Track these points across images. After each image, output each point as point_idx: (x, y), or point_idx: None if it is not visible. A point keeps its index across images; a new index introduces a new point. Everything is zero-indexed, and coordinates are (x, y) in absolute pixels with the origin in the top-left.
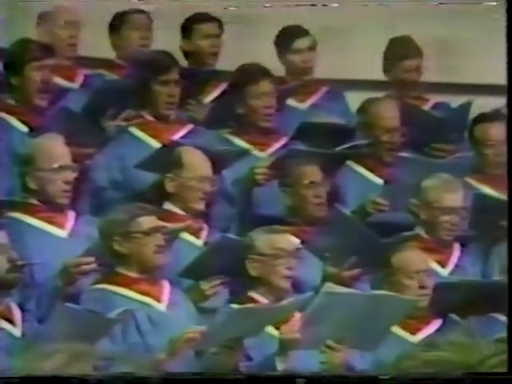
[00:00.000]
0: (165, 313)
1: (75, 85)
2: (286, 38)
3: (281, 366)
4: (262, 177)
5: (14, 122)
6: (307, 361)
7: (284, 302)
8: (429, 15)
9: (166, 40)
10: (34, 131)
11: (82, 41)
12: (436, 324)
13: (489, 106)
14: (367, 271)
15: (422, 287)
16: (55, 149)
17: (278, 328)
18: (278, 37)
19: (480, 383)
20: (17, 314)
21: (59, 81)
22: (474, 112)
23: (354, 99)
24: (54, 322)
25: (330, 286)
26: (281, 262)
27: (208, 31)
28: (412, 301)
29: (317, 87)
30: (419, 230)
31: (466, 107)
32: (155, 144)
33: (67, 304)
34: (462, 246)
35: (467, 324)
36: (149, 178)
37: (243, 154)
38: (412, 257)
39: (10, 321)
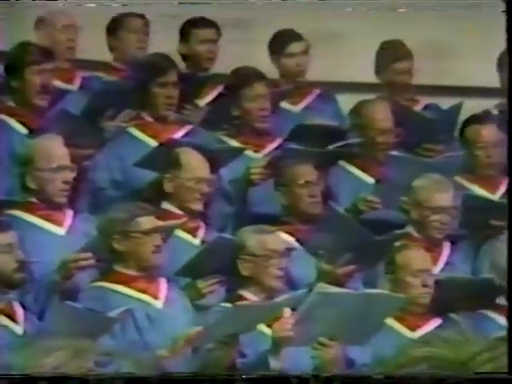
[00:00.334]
0: (162, 310)
1: (74, 87)
2: (281, 42)
3: (274, 364)
4: (258, 176)
5: (14, 123)
6: (300, 358)
7: (278, 299)
8: (420, 19)
9: (163, 43)
10: (33, 133)
11: (80, 44)
12: (435, 321)
13: (479, 107)
14: (361, 268)
15: (424, 285)
16: (54, 149)
17: (269, 326)
18: (272, 41)
19: (480, 383)
20: (19, 311)
21: (58, 83)
22: (464, 113)
23: (346, 101)
24: (56, 320)
25: (323, 286)
26: (272, 262)
27: (206, 36)
28: (401, 298)
29: (309, 90)
30: (410, 229)
31: (456, 109)
32: (154, 144)
33: (69, 302)
34: (453, 244)
35: (458, 320)
36: (147, 177)
37: (239, 152)
38: (416, 256)
39: (13, 318)
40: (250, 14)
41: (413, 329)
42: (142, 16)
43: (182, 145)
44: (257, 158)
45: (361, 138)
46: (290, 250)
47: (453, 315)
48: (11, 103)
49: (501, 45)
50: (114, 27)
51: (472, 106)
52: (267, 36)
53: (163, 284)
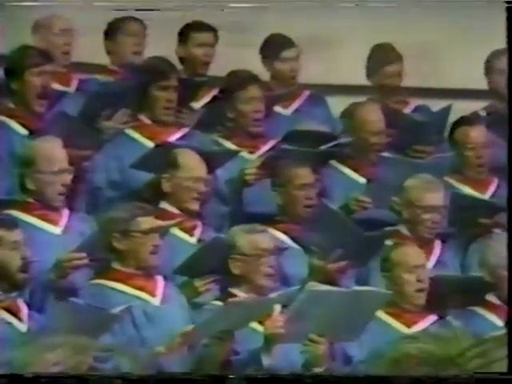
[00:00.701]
0: (159, 307)
1: (71, 89)
2: (273, 48)
3: (266, 361)
4: (252, 177)
5: (14, 125)
6: (291, 355)
7: (271, 296)
8: (409, 23)
9: (161, 46)
10: (33, 134)
11: (78, 47)
12: (431, 318)
13: (468, 109)
14: (352, 264)
15: (419, 281)
16: (55, 152)
17: (261, 323)
18: (264, 45)
19: (480, 383)
20: (23, 309)
21: (56, 86)
22: (453, 115)
23: (338, 104)
24: (59, 317)
25: (313, 285)
26: (262, 261)
27: (203, 40)
28: (388, 294)
29: (299, 92)
30: (402, 228)
31: (445, 111)
32: (151, 145)
33: (72, 299)
34: (443, 242)
35: (448, 317)
36: (145, 178)
37: (234, 154)
38: (412, 252)
39: (17, 316)
40: (244, 18)
41: (409, 325)
42: (139, 20)
43: (178, 147)
44: (251, 159)
45: (352, 139)
46: (283, 248)
47: (443, 312)
48: (11, 105)
49: (488, 48)
50: (112, 31)
51: (461, 108)
52: (259, 40)
53: (160, 282)
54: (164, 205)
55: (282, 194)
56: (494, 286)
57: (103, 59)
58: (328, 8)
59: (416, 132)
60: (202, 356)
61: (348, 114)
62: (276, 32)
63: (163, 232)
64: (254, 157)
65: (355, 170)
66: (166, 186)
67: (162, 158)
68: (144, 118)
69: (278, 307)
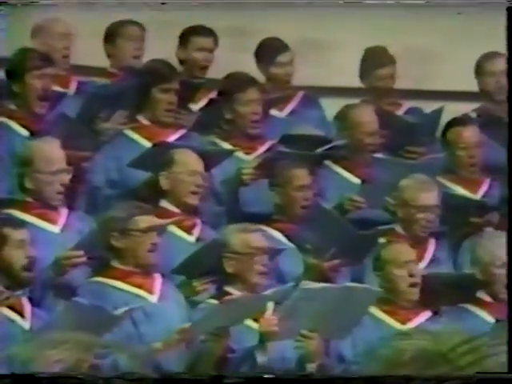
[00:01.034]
0: (156, 304)
1: (70, 91)
2: (268, 52)
3: (260, 359)
4: (248, 177)
5: (15, 126)
6: (285, 352)
7: (266, 293)
8: (402, 27)
9: (159, 49)
10: (33, 135)
11: (77, 50)
12: (425, 314)
13: (459, 111)
14: (347, 262)
15: (411, 276)
16: (53, 153)
17: (256, 320)
18: (259, 49)
19: (480, 383)
20: (27, 307)
21: (56, 88)
22: (444, 116)
23: (332, 105)
24: (62, 316)
25: (306, 283)
26: (255, 259)
27: (204, 44)
28: (378, 291)
29: (293, 94)
30: (397, 227)
31: (437, 113)
32: (149, 146)
33: (76, 299)
34: (437, 240)
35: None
36: (144, 177)
37: (229, 154)
38: (401, 249)
39: (20, 313)
40: (239, 22)
41: (403, 322)
42: (138, 24)
43: (175, 147)
44: (248, 159)
45: (347, 141)
46: (280, 250)
47: (436, 309)
48: (12, 106)
49: (479, 50)
50: (112, 35)
51: (452, 110)
52: (253, 43)
53: (158, 279)
54: (164, 203)
55: (280, 194)
56: (485, 284)
57: (103, 62)
58: (322, 11)
59: (409, 133)
60: (199, 353)
61: (342, 115)
62: (271, 36)
63: (161, 230)
64: (250, 157)
65: (349, 171)
66: (164, 184)
67: (160, 158)
68: (143, 119)
69: (270, 305)
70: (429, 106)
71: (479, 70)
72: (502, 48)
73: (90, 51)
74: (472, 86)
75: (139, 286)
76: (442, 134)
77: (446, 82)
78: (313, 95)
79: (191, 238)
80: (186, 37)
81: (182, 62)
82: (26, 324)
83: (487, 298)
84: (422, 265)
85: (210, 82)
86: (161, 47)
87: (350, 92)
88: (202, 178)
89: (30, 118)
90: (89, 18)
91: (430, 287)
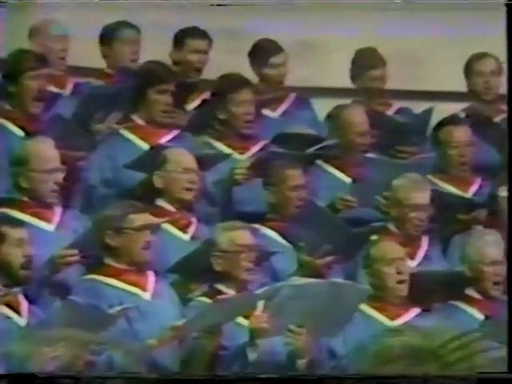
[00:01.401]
0: (150, 301)
1: (66, 92)
2: (262, 54)
3: (251, 355)
4: (242, 177)
5: (11, 126)
6: (276, 348)
7: (258, 292)
8: (392, 29)
9: (153, 50)
10: (29, 135)
11: (74, 51)
12: (414, 311)
13: (449, 111)
14: (340, 259)
15: (399, 273)
16: (46, 152)
17: (247, 317)
18: (252, 50)
19: (480, 383)
20: (23, 304)
21: (52, 88)
22: (434, 116)
23: (324, 106)
24: (58, 314)
25: (295, 279)
26: (242, 257)
27: (198, 47)
28: (366, 290)
29: (286, 95)
30: (390, 226)
31: (427, 113)
32: (144, 145)
33: (72, 297)
34: (430, 238)
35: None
36: (139, 176)
37: (224, 157)
38: (388, 247)
39: (17, 311)
40: (232, 23)
41: (393, 318)
42: (134, 27)
43: (170, 148)
44: (241, 159)
45: (338, 140)
46: (273, 253)
47: (426, 306)
48: (8, 107)
49: (468, 51)
50: (108, 37)
51: (442, 110)
52: (246, 45)
53: (151, 277)
54: (160, 202)
55: (274, 194)
56: (474, 281)
57: (99, 63)
58: (315, 13)
59: (399, 133)
60: (192, 350)
61: (333, 115)
62: (264, 37)
63: (156, 228)
64: (244, 157)
65: (341, 170)
66: (158, 183)
67: (154, 159)
68: (138, 120)
69: (261, 304)
70: (419, 106)
71: (468, 70)
72: (492, 48)
73: (86, 52)
74: (461, 86)
75: (133, 284)
76: (434, 134)
77: (436, 82)
78: (305, 96)
79: (186, 237)
80: (180, 39)
81: (175, 63)
82: (22, 321)
83: (476, 295)
84: (415, 262)
85: (204, 83)
86: (155, 48)
87: (342, 92)
88: (196, 174)
89: (26, 118)
90: (86, 19)
91: (420, 284)
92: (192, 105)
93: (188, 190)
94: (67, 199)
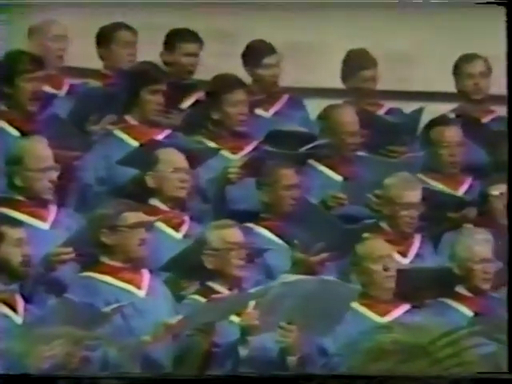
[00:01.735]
0: (145, 298)
1: (62, 93)
2: (256, 54)
3: (243, 352)
4: (235, 176)
5: (7, 126)
6: (267, 344)
7: (251, 291)
8: (383, 30)
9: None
10: (25, 135)
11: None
12: (404, 307)
13: (439, 111)
14: (333, 256)
15: (386, 269)
16: (40, 151)
17: (239, 315)
18: (246, 52)
19: (480, 383)
20: (20, 302)
21: (48, 89)
22: (424, 117)
23: (316, 106)
24: (54, 312)
25: (284, 277)
26: (232, 254)
27: (190, 50)
28: (356, 289)
29: (279, 95)
30: (382, 224)
31: (417, 113)
32: (137, 145)
33: (67, 296)
34: (423, 236)
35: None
36: (133, 176)
37: (213, 153)
38: (375, 245)
39: (13, 308)
40: (224, 24)
41: (382, 315)
42: (131, 28)
43: (163, 145)
44: (234, 158)
45: (329, 140)
46: (265, 249)
47: (416, 303)
48: (4, 108)
49: (458, 52)
50: (105, 39)
51: (432, 110)
52: (237, 46)
53: (146, 275)
54: (153, 201)
55: (268, 193)
56: (463, 279)
57: (95, 64)
58: (307, 16)
59: (390, 133)
60: (186, 347)
61: (324, 115)
62: (258, 38)
63: (149, 227)
64: (237, 157)
65: (332, 169)
66: (150, 183)
67: (147, 156)
68: (131, 120)
69: (252, 305)
70: (409, 107)
71: (457, 71)
72: (482, 50)
73: (83, 53)
74: (450, 87)
75: (128, 282)
76: (425, 133)
77: (426, 83)
78: (297, 97)
79: (179, 235)
80: (171, 42)
81: (167, 64)
82: (18, 319)
83: (466, 293)
84: (407, 260)
85: (200, 83)
86: (147, 49)
87: (335, 93)
88: (187, 173)
89: (22, 118)
90: (83, 19)
91: (410, 282)
92: (186, 105)
93: (180, 188)
94: (62, 198)
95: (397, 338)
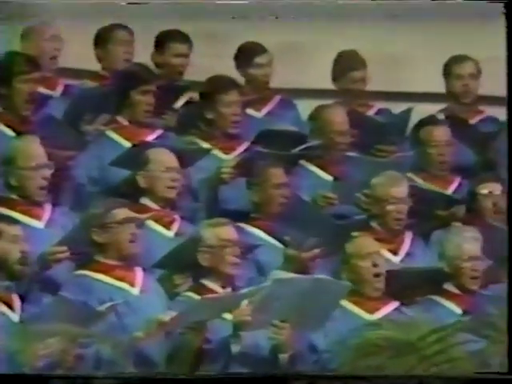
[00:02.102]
0: (138, 296)
1: (57, 93)
2: (247, 54)
3: (235, 348)
4: (228, 176)
5: (2, 127)
6: (259, 341)
7: (243, 291)
8: (373, 32)
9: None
10: (20, 136)
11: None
12: (392, 304)
13: (428, 112)
14: (325, 252)
15: (375, 265)
16: (32, 149)
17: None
18: (238, 53)
19: (480, 383)
20: (16, 300)
21: (43, 90)
22: (413, 117)
23: (307, 106)
24: (50, 310)
25: (277, 273)
26: (226, 251)
27: (180, 50)
28: (346, 285)
29: (271, 96)
30: (373, 223)
31: (406, 113)
32: (129, 145)
33: (62, 294)
34: (414, 234)
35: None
36: (125, 175)
37: (206, 153)
38: (363, 242)
39: (10, 306)
40: (218, 27)
41: (372, 312)
42: (127, 28)
43: (154, 146)
44: (227, 158)
45: (320, 140)
46: (256, 246)
47: (405, 301)
48: (0, 109)
49: (447, 54)
50: (102, 39)
51: (421, 110)
52: (230, 48)
53: (139, 273)
54: (144, 200)
55: (258, 193)
56: (452, 276)
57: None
58: (300, 19)
59: (379, 133)
60: (178, 345)
61: (315, 116)
62: (249, 40)
63: (140, 224)
64: (229, 157)
65: (322, 169)
66: (142, 182)
67: (138, 157)
68: (123, 120)
69: (245, 302)
70: (399, 107)
71: (447, 72)
72: (470, 51)
73: (79, 54)
74: (440, 87)
75: (122, 279)
76: (414, 133)
77: (415, 84)
78: (289, 98)
79: (170, 233)
80: (162, 43)
81: (158, 65)
82: (15, 317)
83: (454, 290)
84: (398, 258)
85: (194, 84)
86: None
87: (326, 94)
88: (178, 173)
89: (17, 119)
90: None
91: (399, 280)
92: (179, 105)
93: (171, 188)
94: (57, 197)
95: (386, 334)
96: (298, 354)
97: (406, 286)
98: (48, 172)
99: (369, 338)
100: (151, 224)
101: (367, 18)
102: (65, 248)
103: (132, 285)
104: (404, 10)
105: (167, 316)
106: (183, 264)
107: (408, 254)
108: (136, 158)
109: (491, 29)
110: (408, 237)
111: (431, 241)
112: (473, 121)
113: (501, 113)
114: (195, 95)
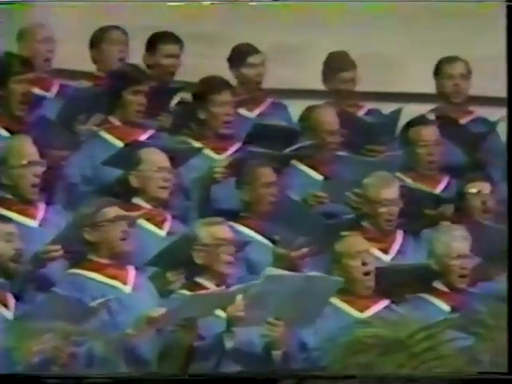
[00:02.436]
0: (130, 294)
1: (51, 94)
2: (240, 55)
3: (228, 344)
4: (220, 175)
5: None
6: (252, 338)
7: (235, 288)
8: (363, 33)
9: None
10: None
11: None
12: (383, 302)
13: (417, 112)
14: (314, 250)
15: (364, 264)
16: (23, 147)
17: (224, 309)
18: (231, 54)
19: (481, 383)
20: (10, 298)
21: (37, 91)
22: (403, 118)
23: (298, 107)
24: (44, 307)
25: (269, 270)
26: (221, 250)
27: (171, 51)
28: (339, 280)
29: (263, 98)
30: (364, 223)
31: (396, 114)
32: (121, 145)
33: (55, 290)
34: (405, 233)
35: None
36: (117, 175)
37: (197, 152)
38: (353, 241)
39: (4, 304)
40: (210, 28)
41: (362, 310)
42: (121, 29)
43: (146, 146)
44: (219, 158)
45: (310, 140)
46: (246, 242)
47: (395, 299)
48: None
49: (437, 55)
50: (96, 40)
51: (410, 111)
52: (223, 48)
53: (131, 271)
54: (136, 200)
55: (247, 192)
56: (441, 274)
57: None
58: (292, 21)
59: (369, 133)
60: (170, 342)
61: (305, 116)
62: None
63: (132, 223)
64: (222, 157)
65: (313, 168)
66: (134, 182)
67: (130, 157)
68: (115, 120)
69: (239, 298)
70: (389, 108)
71: (438, 73)
72: (461, 52)
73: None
74: (430, 88)
75: (114, 277)
76: (403, 133)
77: (404, 84)
78: (280, 101)
79: (162, 232)
80: (153, 43)
81: (149, 66)
82: (9, 314)
83: (443, 288)
84: (389, 257)
85: (188, 85)
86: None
87: (317, 94)
88: (170, 172)
89: (12, 120)
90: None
91: (389, 278)
92: (172, 106)
93: (163, 188)
94: (51, 196)
95: (376, 332)
96: (291, 352)
97: (395, 284)
98: (40, 169)
99: (358, 336)
100: (143, 223)
101: (360, 20)
102: (58, 247)
103: (124, 283)
104: (394, 10)
105: (156, 312)
106: (177, 262)
107: (399, 253)
108: (128, 157)
109: (481, 29)
110: (399, 236)
111: (420, 240)
112: (463, 121)
113: (490, 113)
114: (188, 96)
